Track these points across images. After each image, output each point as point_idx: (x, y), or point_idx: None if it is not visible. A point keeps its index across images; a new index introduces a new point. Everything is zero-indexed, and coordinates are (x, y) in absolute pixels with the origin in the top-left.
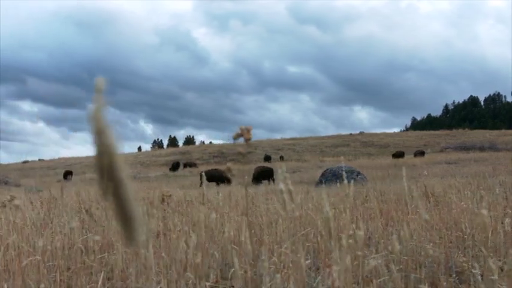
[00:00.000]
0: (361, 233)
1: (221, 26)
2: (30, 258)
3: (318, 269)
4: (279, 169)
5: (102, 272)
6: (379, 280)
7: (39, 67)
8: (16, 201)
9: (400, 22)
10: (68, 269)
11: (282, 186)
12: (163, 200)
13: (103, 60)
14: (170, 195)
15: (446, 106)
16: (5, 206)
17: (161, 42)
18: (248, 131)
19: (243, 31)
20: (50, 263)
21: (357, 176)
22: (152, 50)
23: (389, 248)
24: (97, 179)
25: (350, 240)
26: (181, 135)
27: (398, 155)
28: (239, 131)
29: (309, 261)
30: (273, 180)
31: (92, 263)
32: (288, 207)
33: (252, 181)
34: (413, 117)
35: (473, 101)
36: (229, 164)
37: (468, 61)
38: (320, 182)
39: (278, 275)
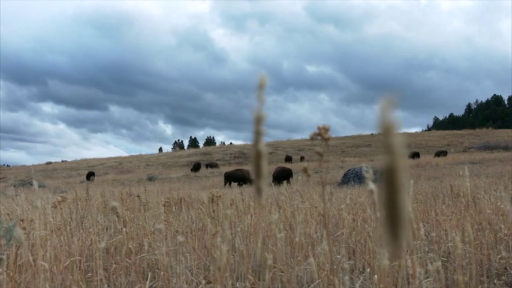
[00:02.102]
0: (421, 232)
1: (238, 26)
2: (72, 259)
3: (362, 271)
4: (364, 168)
5: (150, 273)
6: (423, 281)
7: (60, 69)
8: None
9: (420, 20)
10: (106, 269)
11: (372, 186)
12: (212, 200)
13: (122, 61)
14: (220, 196)
15: (469, 105)
16: (56, 207)
17: (179, 43)
18: (326, 130)
19: (260, 31)
20: (88, 263)
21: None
22: (171, 51)
23: (426, 248)
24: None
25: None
26: (200, 136)
27: (413, 155)
28: (316, 130)
29: (351, 262)
30: (288, 181)
31: (127, 264)
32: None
33: (272, 182)
34: (435, 116)
35: (496, 99)
36: (305, 164)
37: (491, 59)
38: (342, 183)
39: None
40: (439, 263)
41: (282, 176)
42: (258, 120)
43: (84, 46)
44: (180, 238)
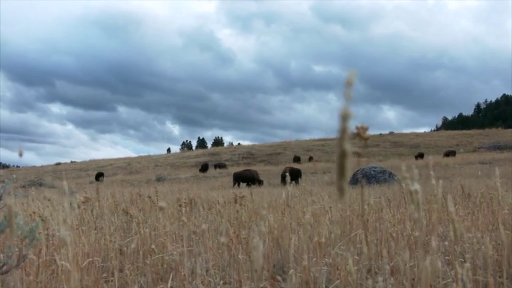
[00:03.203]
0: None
1: (244, 26)
2: (90, 259)
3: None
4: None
5: (171, 273)
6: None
7: (67, 70)
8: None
9: (427, 19)
10: (121, 270)
11: (416, 186)
12: (235, 201)
13: (129, 62)
14: (243, 196)
15: (478, 105)
16: (79, 207)
17: (185, 43)
18: (365, 129)
19: (266, 31)
20: (105, 264)
21: (389, 176)
22: (177, 51)
23: (442, 249)
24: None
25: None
26: (208, 136)
27: (418, 155)
28: (355, 130)
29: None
30: (297, 182)
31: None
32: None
33: (281, 182)
34: (444, 116)
35: (506, 99)
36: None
37: (499, 58)
38: (351, 183)
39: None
40: (468, 264)
41: (291, 176)
42: (345, 118)
43: (91, 47)
44: (223, 239)
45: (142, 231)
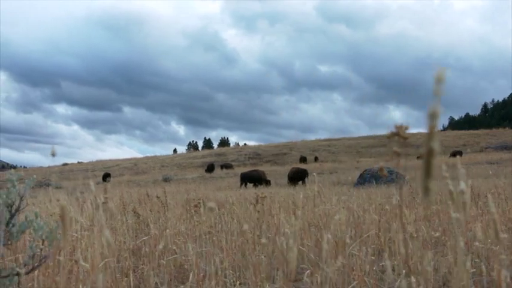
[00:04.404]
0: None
1: (249, 26)
2: (106, 260)
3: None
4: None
5: (191, 274)
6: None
7: (72, 71)
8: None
9: (433, 19)
10: (134, 270)
11: (463, 186)
12: (257, 201)
13: (133, 62)
14: (265, 197)
15: (485, 105)
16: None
17: (190, 44)
18: (405, 129)
19: (271, 31)
20: (118, 264)
21: (396, 176)
22: (181, 51)
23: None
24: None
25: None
26: (213, 136)
27: (420, 156)
28: (394, 130)
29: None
30: (304, 182)
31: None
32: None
33: (288, 182)
34: (450, 116)
35: None
36: (381, 163)
37: (506, 58)
38: (358, 183)
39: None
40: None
41: (297, 177)
42: (434, 116)
43: (95, 47)
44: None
45: (153, 232)
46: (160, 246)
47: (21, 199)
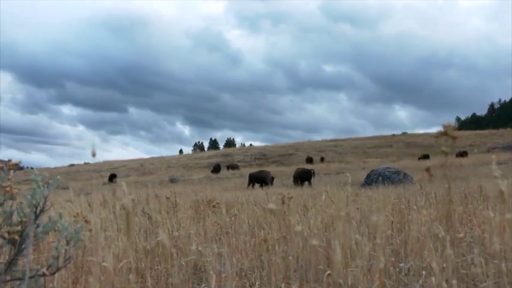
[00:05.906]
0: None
1: (253, 27)
2: (125, 261)
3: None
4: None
5: (214, 276)
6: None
7: (77, 71)
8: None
9: (438, 18)
10: (150, 270)
11: (503, 187)
12: (283, 202)
13: (137, 63)
14: (292, 197)
15: (491, 105)
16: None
17: (194, 44)
18: (453, 128)
19: (275, 31)
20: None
21: (403, 177)
22: (185, 52)
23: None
24: None
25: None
26: (218, 136)
27: (424, 157)
28: (442, 129)
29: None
30: (310, 182)
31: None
32: None
33: (293, 182)
34: (457, 116)
35: None
36: (428, 164)
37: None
38: (366, 184)
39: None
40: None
41: (303, 177)
42: None
43: (99, 48)
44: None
45: (168, 232)
46: (174, 247)
47: (45, 200)
